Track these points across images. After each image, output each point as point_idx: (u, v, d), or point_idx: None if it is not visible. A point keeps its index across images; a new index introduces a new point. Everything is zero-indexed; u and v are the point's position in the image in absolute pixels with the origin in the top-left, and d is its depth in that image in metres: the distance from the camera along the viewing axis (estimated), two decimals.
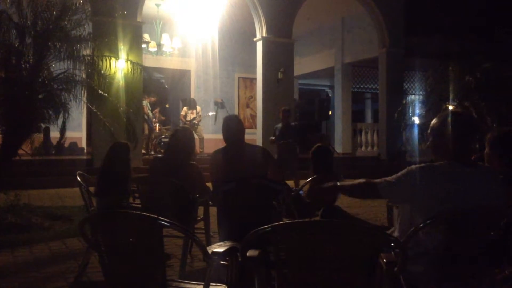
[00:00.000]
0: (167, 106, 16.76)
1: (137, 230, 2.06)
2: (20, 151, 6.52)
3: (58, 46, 6.27)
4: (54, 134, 6.78)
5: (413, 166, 2.14)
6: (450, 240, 2.02)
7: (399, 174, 2.16)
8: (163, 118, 13.87)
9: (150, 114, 12.77)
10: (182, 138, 4.25)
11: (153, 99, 13.09)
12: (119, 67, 9.33)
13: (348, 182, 2.36)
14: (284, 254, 1.77)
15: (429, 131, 2.31)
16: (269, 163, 3.92)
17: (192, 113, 12.49)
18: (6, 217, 5.79)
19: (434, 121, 2.29)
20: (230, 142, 3.82)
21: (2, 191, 6.25)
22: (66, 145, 12.67)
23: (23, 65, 6.18)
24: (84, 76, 6.83)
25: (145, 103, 12.54)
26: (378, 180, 2.19)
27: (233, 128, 3.84)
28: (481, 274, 2.12)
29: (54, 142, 7.77)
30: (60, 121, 6.55)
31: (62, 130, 6.65)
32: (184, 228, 2.21)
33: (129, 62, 8.14)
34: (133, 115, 7.93)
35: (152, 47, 12.78)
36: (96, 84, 6.71)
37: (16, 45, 6.19)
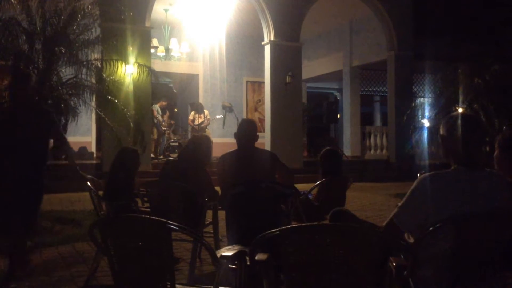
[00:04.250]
0: (175, 110, 16.84)
1: (146, 234, 2.07)
2: None
3: (66, 52, 6.32)
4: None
5: (423, 176, 2.12)
6: (460, 244, 2.01)
7: (408, 193, 2.12)
8: (172, 122, 13.94)
9: (160, 118, 12.83)
10: (198, 146, 4.28)
11: (164, 103, 13.17)
12: (128, 72, 9.39)
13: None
14: (293, 258, 1.77)
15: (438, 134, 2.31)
16: (278, 168, 3.93)
17: (200, 117, 12.54)
18: None
19: (441, 124, 2.28)
20: (241, 144, 3.84)
21: None
22: (76, 149, 12.78)
23: (34, 71, 6.23)
24: (93, 81, 6.88)
25: (156, 107, 12.61)
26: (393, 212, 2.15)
27: (246, 130, 3.87)
28: (492, 278, 2.10)
29: None
30: (70, 126, 6.59)
31: (64, 131, 6.68)
32: (193, 232, 2.22)
33: (137, 67, 8.18)
34: (141, 120, 7.95)
35: (161, 52, 12.84)
36: (105, 89, 6.75)
37: (26, 51, 6.25)
